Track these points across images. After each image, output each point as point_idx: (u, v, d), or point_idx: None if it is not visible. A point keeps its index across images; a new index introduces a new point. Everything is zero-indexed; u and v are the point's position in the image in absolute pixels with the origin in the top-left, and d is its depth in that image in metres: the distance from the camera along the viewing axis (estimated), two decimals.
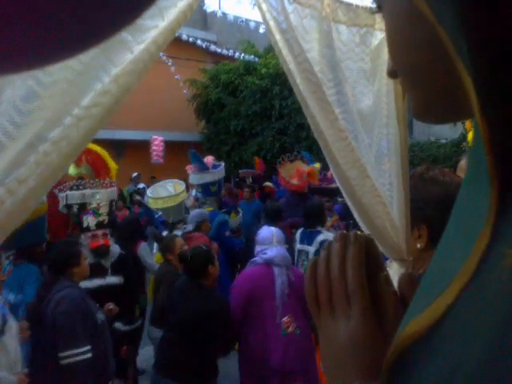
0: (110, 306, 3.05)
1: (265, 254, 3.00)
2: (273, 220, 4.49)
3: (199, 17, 14.59)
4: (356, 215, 1.73)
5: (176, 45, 9.85)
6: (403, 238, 1.61)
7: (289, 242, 4.28)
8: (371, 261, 0.51)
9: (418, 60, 0.36)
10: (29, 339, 2.55)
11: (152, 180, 11.91)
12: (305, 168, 6.52)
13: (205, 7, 11.06)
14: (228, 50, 12.16)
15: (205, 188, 5.81)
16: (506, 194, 0.29)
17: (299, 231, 4.46)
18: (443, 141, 11.67)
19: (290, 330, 2.83)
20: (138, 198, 8.25)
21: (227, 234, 5.26)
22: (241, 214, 6.25)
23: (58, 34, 0.21)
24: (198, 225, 4.60)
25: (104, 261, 3.40)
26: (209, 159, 6.38)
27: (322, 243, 4.01)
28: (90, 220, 3.40)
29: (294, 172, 6.40)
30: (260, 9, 1.31)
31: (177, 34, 1.14)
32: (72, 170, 3.69)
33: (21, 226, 2.94)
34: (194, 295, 2.79)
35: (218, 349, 2.83)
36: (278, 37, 1.32)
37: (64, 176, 1.12)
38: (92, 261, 3.18)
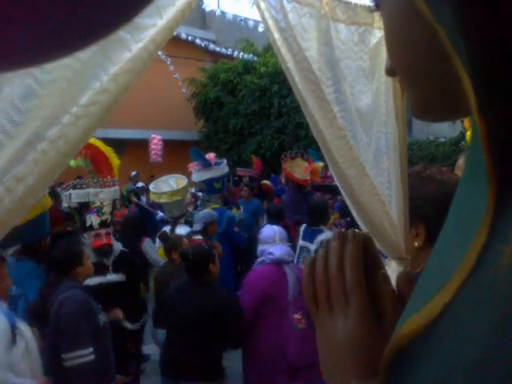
0: (117, 313, 3.04)
1: (271, 253, 3.06)
2: (275, 221, 4.52)
3: (198, 15, 14.57)
4: (355, 214, 1.73)
5: (175, 43, 9.84)
6: (402, 236, 1.61)
7: (292, 240, 4.32)
8: (369, 259, 0.51)
9: (416, 58, 0.36)
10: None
11: (151, 179, 11.91)
12: (305, 165, 6.60)
13: (204, 6, 11.03)
14: (227, 48, 12.15)
15: (208, 185, 5.79)
16: (503, 193, 0.29)
17: (302, 228, 4.52)
18: (442, 139, 11.68)
19: (301, 325, 2.89)
20: (134, 197, 8.24)
21: (236, 229, 5.33)
22: (242, 210, 6.31)
23: (56, 32, 0.21)
24: (205, 226, 4.58)
25: (106, 259, 3.41)
26: (210, 156, 6.36)
27: (322, 242, 4.03)
28: (93, 219, 3.39)
29: (298, 168, 6.48)
30: (258, 7, 1.31)
31: (175, 33, 1.14)
32: (71, 162, 3.68)
33: (25, 222, 2.96)
34: (195, 293, 2.81)
35: (230, 341, 2.87)
36: (276, 35, 1.32)
37: (63, 173, 1.12)
38: (94, 259, 3.18)
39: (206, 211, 4.94)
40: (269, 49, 11.23)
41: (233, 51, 12.05)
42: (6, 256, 3.04)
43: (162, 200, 5.09)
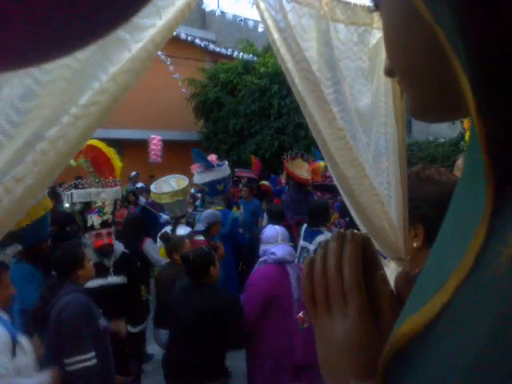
0: (120, 325, 3.01)
1: (273, 253, 3.07)
2: (276, 221, 4.53)
3: (198, 16, 14.57)
4: (354, 214, 1.73)
5: (174, 44, 9.84)
6: (401, 237, 1.61)
7: (294, 240, 4.34)
8: (368, 259, 0.51)
9: (415, 59, 0.36)
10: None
11: (150, 179, 11.91)
12: (305, 166, 6.64)
13: (203, 6, 11.03)
14: (227, 49, 12.15)
15: (211, 187, 5.79)
16: (501, 193, 0.29)
17: (303, 228, 4.53)
18: (441, 140, 11.67)
19: (306, 325, 2.91)
20: (133, 197, 8.26)
21: (240, 231, 5.37)
22: (242, 209, 6.35)
23: (55, 31, 0.21)
24: (209, 226, 4.57)
25: (107, 260, 3.40)
26: (212, 157, 6.37)
27: (321, 243, 4.05)
28: (94, 219, 3.38)
29: (298, 169, 6.54)
30: (258, 7, 1.31)
31: (175, 33, 1.14)
32: (72, 161, 3.68)
33: (26, 226, 2.94)
34: (195, 295, 2.82)
35: (230, 341, 2.88)
36: (276, 35, 1.32)
37: (63, 173, 1.12)
38: (95, 260, 3.18)
39: (210, 211, 4.94)
40: (268, 49, 11.23)
41: (232, 51, 12.04)
42: (7, 257, 3.04)
43: (163, 200, 5.10)
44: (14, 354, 2.11)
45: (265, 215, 6.51)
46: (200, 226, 4.58)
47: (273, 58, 10.91)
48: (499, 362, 0.25)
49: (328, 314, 0.50)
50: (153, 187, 5.49)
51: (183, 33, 10.74)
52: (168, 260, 3.94)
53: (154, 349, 4.41)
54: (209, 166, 5.82)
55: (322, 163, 6.90)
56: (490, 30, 0.26)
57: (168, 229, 4.88)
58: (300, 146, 10.27)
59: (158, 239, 4.69)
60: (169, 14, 1.03)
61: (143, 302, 3.85)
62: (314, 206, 4.63)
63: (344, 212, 5.35)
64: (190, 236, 4.32)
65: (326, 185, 6.66)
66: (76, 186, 3.41)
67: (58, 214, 4.52)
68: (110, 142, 3.90)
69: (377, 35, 1.53)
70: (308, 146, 9.99)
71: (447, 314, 0.30)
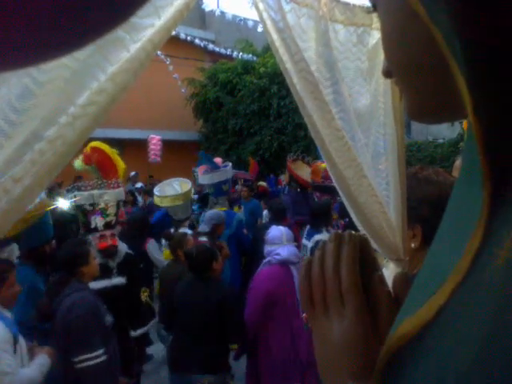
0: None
1: (278, 254, 3.09)
2: (278, 219, 4.54)
3: (197, 15, 14.58)
4: (352, 215, 1.73)
5: (174, 44, 9.84)
6: (400, 237, 1.61)
7: (296, 239, 4.37)
8: (365, 260, 0.51)
9: (413, 60, 0.36)
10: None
11: (150, 179, 11.91)
12: (306, 168, 6.68)
13: (203, 6, 11.04)
14: (226, 49, 12.15)
15: (217, 188, 5.86)
16: (498, 194, 0.29)
17: (307, 228, 4.60)
18: (441, 141, 11.68)
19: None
20: (131, 197, 8.28)
21: (245, 232, 5.40)
22: (242, 209, 6.41)
23: (51, 32, 0.21)
24: (214, 227, 4.58)
25: (111, 261, 3.41)
26: (217, 160, 6.45)
27: (317, 242, 4.09)
28: (98, 220, 3.39)
29: (299, 171, 6.61)
30: (257, 8, 1.30)
31: (175, 33, 1.14)
32: (78, 164, 3.68)
33: (28, 228, 2.93)
34: (198, 289, 2.89)
35: (231, 337, 2.93)
36: (274, 36, 1.32)
37: (63, 173, 1.12)
38: (99, 261, 3.18)
39: (214, 211, 4.96)
40: (268, 49, 11.23)
41: (232, 51, 12.05)
42: (12, 258, 3.03)
43: (165, 204, 5.14)
44: (15, 351, 2.12)
45: (264, 215, 6.54)
46: (205, 228, 4.59)
47: (272, 58, 10.91)
48: (496, 364, 0.25)
49: (325, 314, 0.49)
50: (156, 190, 5.53)
51: (183, 33, 10.74)
52: (171, 259, 3.96)
53: (153, 349, 4.43)
54: (215, 167, 5.89)
55: (322, 164, 6.93)
56: (487, 31, 0.26)
57: (171, 230, 4.93)
58: (299, 147, 10.28)
59: (163, 240, 4.72)
60: (167, 13, 1.03)
61: (144, 306, 3.84)
62: (316, 207, 4.67)
63: (343, 213, 5.37)
64: (194, 236, 4.35)
65: (324, 186, 6.68)
66: (79, 188, 3.41)
67: (60, 215, 4.52)
68: (110, 142, 3.91)
69: (376, 36, 1.53)
70: (307, 147, 10.00)
71: (444, 316, 0.30)
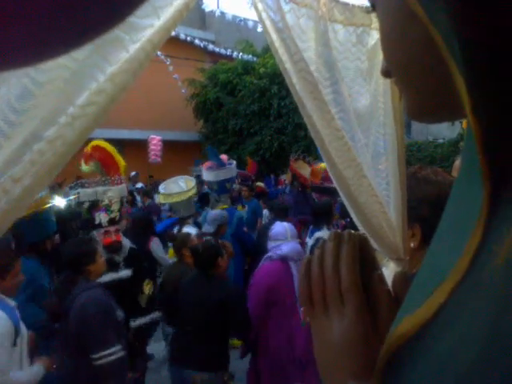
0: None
1: (279, 249, 3.08)
2: (280, 218, 4.57)
3: (197, 16, 14.59)
4: (353, 215, 1.73)
5: (174, 44, 9.84)
6: (400, 237, 1.61)
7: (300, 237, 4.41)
8: (365, 259, 0.51)
9: (411, 60, 0.36)
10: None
11: (150, 179, 11.91)
12: (307, 167, 6.70)
13: (203, 6, 11.04)
14: (226, 49, 12.16)
15: (221, 185, 5.88)
16: (497, 194, 0.29)
17: (310, 228, 4.67)
18: (441, 140, 11.68)
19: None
20: (129, 197, 8.29)
21: (245, 230, 5.44)
22: (246, 208, 6.43)
23: (49, 31, 0.21)
24: (218, 228, 4.61)
25: (116, 256, 3.46)
26: (223, 157, 6.45)
27: (317, 239, 4.11)
28: (102, 217, 3.44)
29: (301, 170, 6.63)
30: (256, 8, 1.30)
31: (175, 34, 1.14)
32: (84, 167, 3.73)
33: (27, 221, 2.94)
34: (202, 285, 2.92)
35: (235, 334, 3.00)
36: (274, 36, 1.31)
37: (63, 173, 1.13)
38: (105, 257, 3.21)
39: (218, 212, 4.98)
40: (268, 50, 11.23)
41: (232, 52, 12.06)
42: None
43: (170, 201, 5.17)
44: (15, 343, 2.12)
45: (264, 214, 6.56)
46: (209, 228, 4.62)
47: (272, 58, 10.91)
48: (496, 366, 0.25)
49: (325, 314, 0.49)
50: (161, 188, 5.55)
51: (183, 33, 10.75)
52: (175, 260, 3.98)
53: (154, 349, 4.44)
54: (221, 165, 5.91)
55: (322, 164, 6.94)
56: (486, 31, 0.26)
57: (174, 229, 4.97)
58: (300, 147, 10.28)
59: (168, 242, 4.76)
60: (167, 14, 1.03)
61: (146, 296, 3.87)
62: (318, 206, 4.72)
63: (344, 213, 5.40)
64: (198, 237, 4.37)
65: (323, 187, 6.70)
66: (82, 185, 3.44)
67: (62, 211, 4.55)
68: (110, 143, 3.93)
69: (375, 36, 1.53)
70: (308, 147, 10.01)
71: (444, 315, 0.30)
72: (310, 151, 8.87)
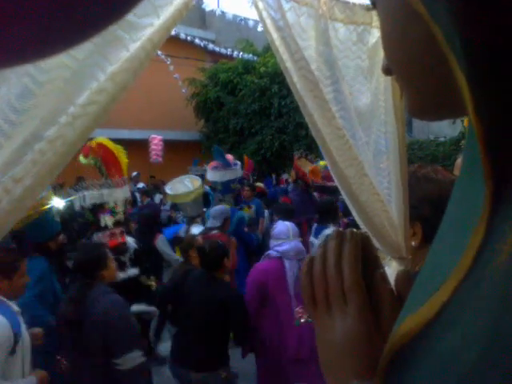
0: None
1: (279, 247, 3.13)
2: (285, 218, 4.58)
3: (198, 15, 14.58)
4: (354, 213, 1.73)
5: (174, 44, 9.85)
6: (402, 235, 1.61)
7: (303, 235, 4.42)
8: (367, 258, 0.51)
9: (412, 57, 0.36)
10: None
11: (151, 179, 11.92)
12: (310, 166, 6.71)
13: (203, 6, 11.04)
14: (226, 48, 12.16)
15: (225, 185, 5.88)
16: (499, 191, 0.29)
17: (314, 226, 4.70)
18: (442, 139, 11.66)
19: (303, 320, 2.92)
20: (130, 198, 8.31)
21: (246, 230, 5.44)
22: (253, 209, 6.40)
23: (48, 28, 0.20)
24: (224, 222, 4.65)
25: (122, 256, 3.49)
26: (229, 157, 6.43)
27: (327, 237, 4.14)
28: (107, 219, 3.47)
29: (305, 169, 6.64)
30: (256, 7, 1.30)
31: (175, 33, 1.15)
32: (82, 160, 3.72)
33: (30, 221, 2.95)
34: (206, 286, 2.94)
35: (234, 337, 2.99)
36: (274, 35, 1.31)
37: (64, 173, 1.13)
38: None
39: (222, 206, 5.02)
40: (268, 49, 11.22)
41: (232, 51, 12.05)
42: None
43: (177, 201, 5.19)
44: (14, 350, 2.09)
45: (266, 215, 6.55)
46: (216, 222, 4.64)
47: (273, 57, 10.91)
48: (499, 365, 0.25)
49: (328, 313, 0.49)
50: (168, 188, 5.56)
51: (183, 33, 10.74)
52: (182, 259, 4.01)
53: (161, 349, 4.45)
54: (227, 165, 5.90)
55: (322, 162, 6.93)
56: (488, 29, 0.25)
57: (183, 229, 5.02)
58: (301, 146, 10.27)
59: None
60: (167, 13, 1.03)
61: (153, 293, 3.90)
62: (323, 204, 4.74)
63: (347, 211, 5.41)
64: (204, 232, 4.40)
65: (323, 186, 6.70)
66: (88, 187, 3.46)
67: (64, 212, 4.56)
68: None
69: (376, 34, 1.53)
70: (309, 146, 10.00)
71: (446, 314, 0.30)
72: (311, 150, 8.86)
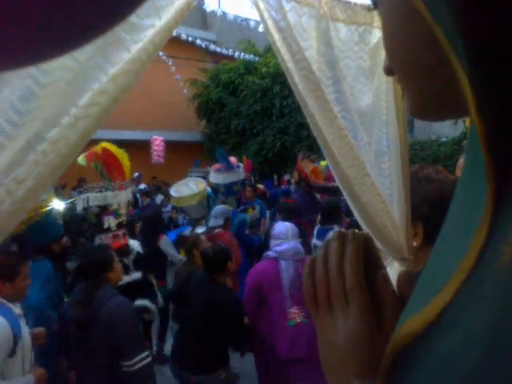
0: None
1: (276, 248, 3.13)
2: (288, 218, 4.58)
3: (199, 16, 14.59)
4: (356, 214, 1.73)
5: (176, 44, 9.86)
6: (404, 236, 1.61)
7: (305, 236, 4.39)
8: (369, 259, 0.51)
9: (414, 58, 0.36)
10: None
11: (153, 180, 11.93)
12: (312, 166, 6.72)
13: (204, 6, 11.03)
14: (228, 49, 12.15)
15: (228, 187, 5.89)
16: (502, 192, 0.29)
17: (317, 227, 4.66)
18: (444, 139, 11.64)
19: (298, 320, 2.92)
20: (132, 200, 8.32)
21: (247, 232, 5.47)
22: (257, 210, 6.41)
23: (49, 30, 0.20)
24: (226, 221, 4.70)
25: (126, 259, 3.51)
26: (232, 159, 6.45)
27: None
28: (111, 221, 3.50)
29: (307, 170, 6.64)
30: (257, 8, 1.30)
31: (176, 34, 1.15)
32: (81, 160, 3.72)
33: (31, 224, 2.97)
34: (208, 288, 2.95)
35: (231, 342, 2.99)
36: (276, 36, 1.32)
37: (65, 174, 1.13)
38: None
39: (222, 206, 5.07)
40: (270, 49, 11.21)
41: (234, 52, 12.05)
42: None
43: (182, 204, 5.22)
44: (14, 351, 2.09)
45: (267, 215, 6.54)
46: (218, 221, 4.68)
47: (274, 58, 10.91)
48: (502, 366, 0.25)
49: (330, 313, 0.49)
50: (173, 191, 5.58)
51: (184, 33, 10.73)
52: (186, 259, 4.02)
53: (166, 349, 4.47)
54: (230, 168, 5.92)
55: (323, 162, 6.92)
56: (488, 30, 0.25)
57: (187, 231, 5.06)
58: (302, 146, 10.27)
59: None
60: (168, 14, 1.03)
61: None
62: (326, 205, 4.73)
63: (349, 211, 5.39)
64: (208, 231, 4.42)
65: (324, 187, 6.69)
66: (91, 190, 3.47)
67: (65, 214, 4.59)
68: (113, 144, 3.94)
69: (377, 34, 1.53)
70: (310, 146, 9.99)
71: (448, 315, 0.30)
72: (313, 151, 8.85)
